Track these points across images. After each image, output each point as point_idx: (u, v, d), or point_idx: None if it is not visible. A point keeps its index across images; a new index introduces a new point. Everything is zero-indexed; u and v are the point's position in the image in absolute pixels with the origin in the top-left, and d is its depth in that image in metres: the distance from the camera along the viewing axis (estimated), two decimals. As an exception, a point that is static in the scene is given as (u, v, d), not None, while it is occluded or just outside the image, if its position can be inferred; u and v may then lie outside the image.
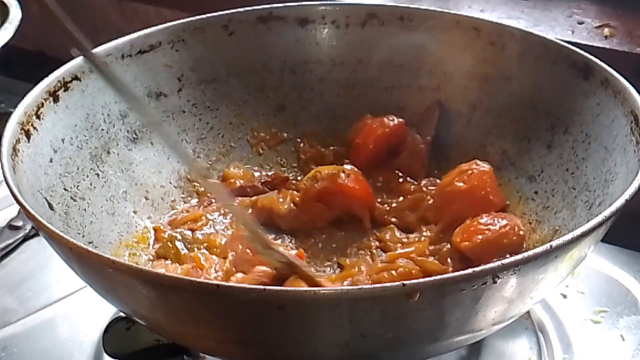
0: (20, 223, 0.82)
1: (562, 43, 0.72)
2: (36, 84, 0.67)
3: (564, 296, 0.73)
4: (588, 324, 0.71)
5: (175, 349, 0.66)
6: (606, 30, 0.85)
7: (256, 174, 0.79)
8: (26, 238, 0.81)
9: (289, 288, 0.45)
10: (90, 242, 0.65)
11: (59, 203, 0.64)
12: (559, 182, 0.69)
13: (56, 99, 0.68)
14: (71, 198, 0.66)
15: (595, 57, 0.69)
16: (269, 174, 0.79)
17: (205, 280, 0.45)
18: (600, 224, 0.50)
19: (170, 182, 0.76)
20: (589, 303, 0.73)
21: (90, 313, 0.72)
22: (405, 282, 0.44)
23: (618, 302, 0.73)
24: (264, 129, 0.81)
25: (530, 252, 0.47)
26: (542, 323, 0.71)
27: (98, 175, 0.70)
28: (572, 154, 0.69)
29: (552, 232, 0.67)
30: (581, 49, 0.71)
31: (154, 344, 0.66)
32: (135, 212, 0.72)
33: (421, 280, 0.45)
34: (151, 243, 0.71)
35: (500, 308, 0.51)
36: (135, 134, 0.74)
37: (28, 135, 0.64)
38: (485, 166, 0.71)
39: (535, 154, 0.73)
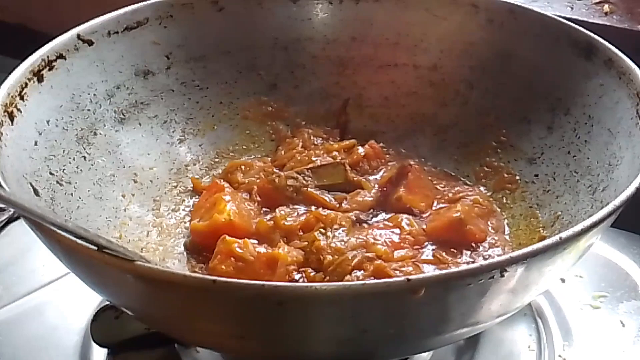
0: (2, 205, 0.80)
1: (563, 21, 0.70)
2: (18, 58, 0.65)
3: (563, 280, 0.72)
4: (587, 310, 0.70)
5: (165, 338, 0.64)
6: (606, 7, 0.83)
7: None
8: (10, 220, 0.79)
9: (288, 284, 0.43)
10: (77, 228, 0.63)
11: (44, 188, 0.62)
12: (560, 165, 0.68)
13: (40, 79, 0.65)
14: (57, 182, 0.63)
15: (595, 34, 0.67)
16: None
17: (201, 276, 0.43)
18: (610, 214, 0.49)
19: (159, 164, 0.73)
20: (588, 287, 0.72)
21: (77, 299, 0.70)
22: (410, 277, 0.42)
23: (617, 286, 0.72)
24: (255, 108, 0.79)
25: (540, 245, 0.45)
26: (541, 309, 0.69)
27: (84, 157, 0.67)
28: (573, 136, 0.67)
29: (554, 217, 0.65)
30: (580, 25, 0.69)
31: (143, 332, 0.64)
32: (123, 196, 0.69)
33: (427, 275, 0.43)
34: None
35: (505, 300, 0.49)
36: (123, 115, 0.72)
37: (12, 117, 0.61)
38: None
39: (535, 136, 0.71)
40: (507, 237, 0.68)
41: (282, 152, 0.77)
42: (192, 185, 0.74)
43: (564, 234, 0.46)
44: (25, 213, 0.46)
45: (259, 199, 0.71)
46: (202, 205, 0.70)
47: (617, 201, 0.49)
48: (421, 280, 0.43)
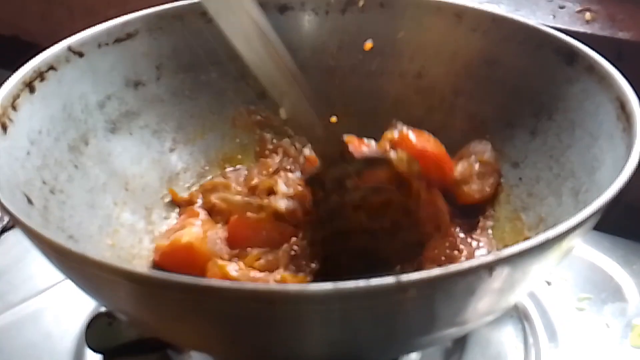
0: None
1: (546, 28, 0.72)
2: (12, 70, 0.66)
3: (548, 283, 0.73)
4: (572, 312, 0.71)
5: (158, 344, 0.65)
6: (587, 15, 0.84)
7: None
8: (4, 229, 0.80)
9: (279, 287, 0.44)
10: (70, 237, 0.63)
11: (37, 197, 0.62)
12: (544, 169, 0.69)
13: (32, 90, 0.66)
14: (50, 191, 0.64)
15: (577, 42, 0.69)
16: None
17: (193, 280, 0.43)
18: (593, 214, 0.50)
19: (150, 173, 0.74)
20: (573, 290, 0.73)
21: (71, 306, 0.71)
22: (399, 278, 0.43)
23: (602, 288, 0.73)
24: (245, 117, 0.80)
25: (526, 244, 0.46)
26: (527, 311, 0.70)
27: (76, 166, 0.68)
28: (556, 140, 0.69)
29: (538, 219, 0.67)
30: (563, 33, 0.70)
31: (137, 338, 0.65)
32: (115, 204, 0.70)
33: (416, 275, 0.44)
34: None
35: (493, 299, 0.50)
36: (114, 124, 0.73)
37: (4, 127, 0.62)
38: None
39: (519, 140, 0.72)
40: (492, 239, 0.69)
41: (255, 172, 0.76)
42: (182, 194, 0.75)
43: (549, 234, 0.47)
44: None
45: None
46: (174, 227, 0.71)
47: (600, 201, 0.51)
48: (410, 281, 0.44)
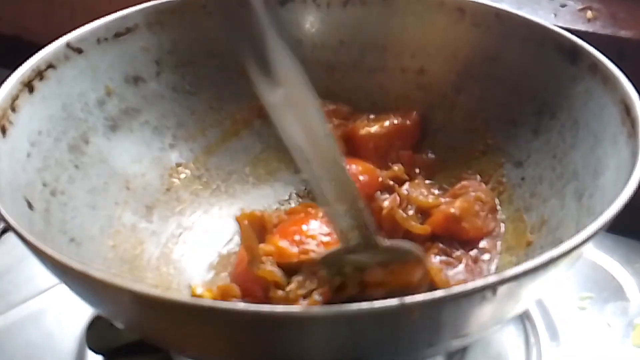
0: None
1: (549, 25, 0.71)
2: (13, 69, 0.65)
3: (550, 282, 0.73)
4: (574, 311, 0.71)
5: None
6: (589, 13, 0.84)
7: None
8: (5, 230, 0.80)
9: (286, 309, 0.44)
10: (72, 239, 0.63)
11: (38, 200, 0.62)
12: (547, 169, 0.69)
13: (31, 90, 0.65)
14: (51, 193, 0.64)
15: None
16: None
17: (198, 302, 0.43)
18: (599, 229, 0.50)
19: (151, 171, 0.74)
20: (574, 289, 0.73)
21: (72, 307, 0.71)
22: (404, 301, 0.43)
23: (603, 287, 0.73)
24: (245, 113, 0.79)
25: (531, 264, 0.46)
26: (528, 311, 0.70)
27: (77, 167, 0.68)
28: (559, 140, 0.68)
29: (541, 221, 0.66)
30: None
31: (137, 339, 0.65)
32: (116, 204, 0.70)
33: (420, 298, 0.44)
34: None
35: (497, 315, 0.50)
36: (114, 122, 0.72)
37: (4, 130, 0.61)
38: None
39: (521, 139, 0.72)
40: (495, 241, 0.69)
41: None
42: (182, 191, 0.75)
43: (554, 253, 0.47)
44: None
45: None
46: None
47: (606, 217, 0.51)
48: (415, 303, 0.44)
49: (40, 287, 0.74)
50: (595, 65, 0.66)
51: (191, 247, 0.71)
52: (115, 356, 0.66)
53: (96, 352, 0.67)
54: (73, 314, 0.70)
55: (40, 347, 0.69)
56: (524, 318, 0.70)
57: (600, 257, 0.75)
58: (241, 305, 0.44)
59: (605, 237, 0.76)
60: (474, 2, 0.75)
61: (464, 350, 0.67)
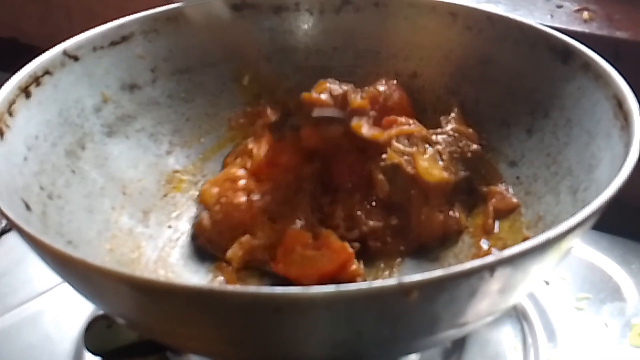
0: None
1: (540, 26, 0.72)
2: (10, 72, 0.66)
3: (547, 283, 0.73)
4: (571, 311, 0.71)
5: (157, 346, 0.65)
6: (585, 14, 0.85)
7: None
8: (3, 232, 0.80)
9: (284, 290, 0.44)
10: (69, 242, 0.63)
11: (35, 203, 0.62)
12: (541, 167, 0.69)
13: (28, 95, 0.66)
14: (48, 197, 0.64)
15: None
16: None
17: (198, 285, 0.43)
18: (592, 214, 0.50)
19: (147, 176, 0.74)
20: (572, 290, 0.73)
21: (70, 309, 0.71)
22: (402, 281, 0.43)
23: (600, 288, 0.73)
24: (241, 119, 0.80)
25: (526, 245, 0.46)
26: (525, 311, 0.70)
27: (74, 171, 0.68)
28: (553, 138, 0.69)
29: (537, 218, 0.67)
30: (560, 33, 0.71)
31: (136, 340, 0.65)
32: (113, 209, 0.70)
33: (418, 278, 0.44)
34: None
35: (493, 300, 0.50)
36: (110, 128, 0.73)
37: (1, 134, 0.62)
38: None
39: (515, 139, 0.72)
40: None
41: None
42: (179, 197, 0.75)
43: (550, 234, 0.47)
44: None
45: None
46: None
47: (600, 200, 0.51)
48: (414, 283, 0.44)
49: (37, 289, 0.74)
50: (587, 64, 0.67)
51: (188, 252, 0.71)
52: (113, 357, 0.66)
53: (94, 354, 0.66)
54: (71, 316, 0.70)
55: (38, 349, 0.69)
56: (521, 318, 0.70)
57: (598, 257, 0.76)
58: (239, 288, 0.44)
59: (602, 238, 0.77)
60: (466, 6, 0.76)
61: (460, 350, 0.67)
